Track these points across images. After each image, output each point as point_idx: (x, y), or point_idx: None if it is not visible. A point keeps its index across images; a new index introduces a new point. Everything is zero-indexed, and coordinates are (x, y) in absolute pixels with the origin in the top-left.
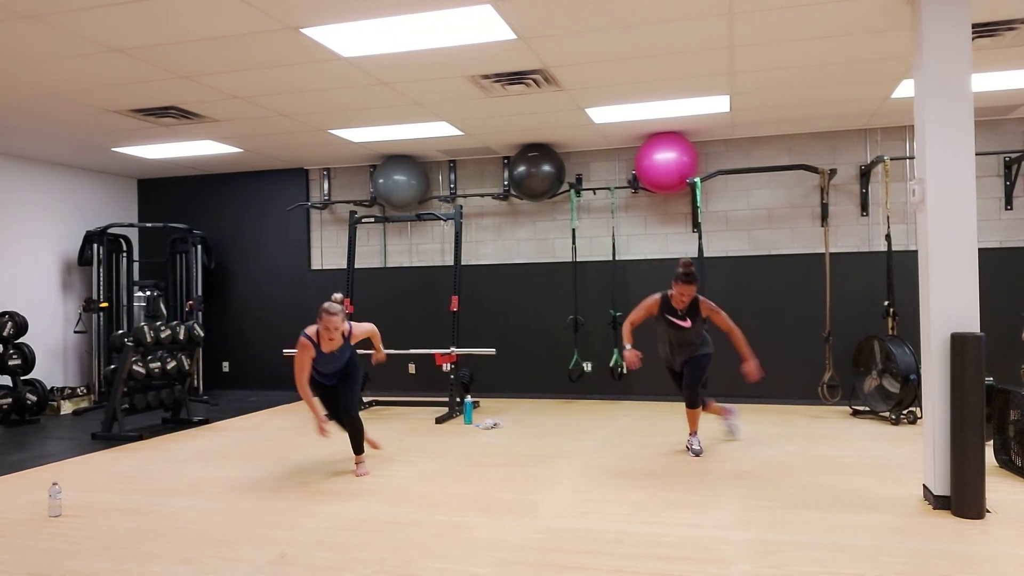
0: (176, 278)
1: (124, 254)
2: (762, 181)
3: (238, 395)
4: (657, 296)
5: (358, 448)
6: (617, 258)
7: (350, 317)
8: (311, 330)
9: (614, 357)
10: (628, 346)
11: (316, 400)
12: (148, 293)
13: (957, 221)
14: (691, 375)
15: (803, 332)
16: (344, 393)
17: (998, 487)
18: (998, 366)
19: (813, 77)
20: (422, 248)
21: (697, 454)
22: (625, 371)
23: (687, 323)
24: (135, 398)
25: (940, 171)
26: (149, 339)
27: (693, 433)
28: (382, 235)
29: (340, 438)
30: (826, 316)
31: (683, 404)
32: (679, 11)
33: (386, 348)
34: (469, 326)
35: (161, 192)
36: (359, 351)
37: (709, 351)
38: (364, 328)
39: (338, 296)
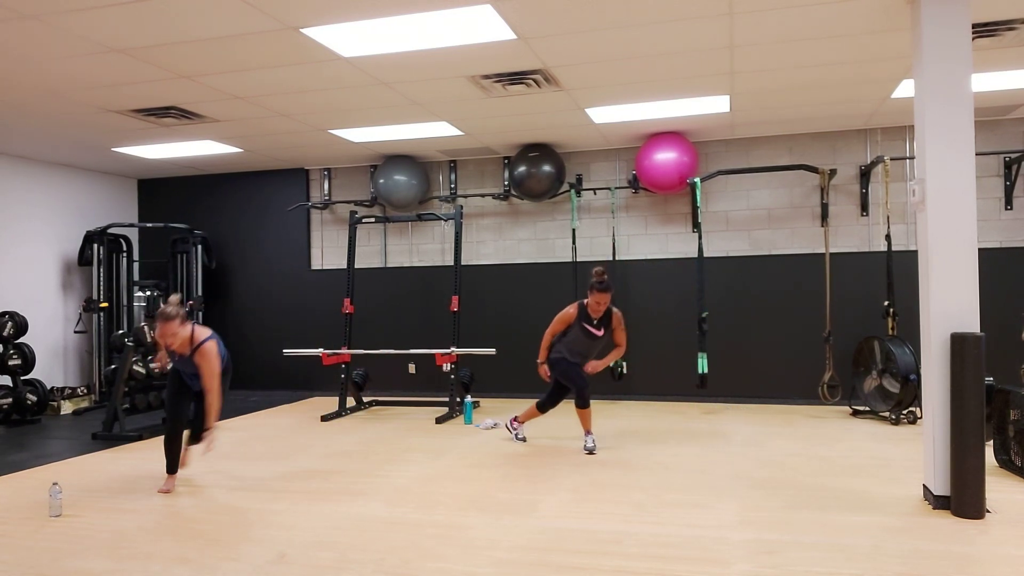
0: (176, 278)
1: (124, 254)
2: (762, 181)
3: (238, 395)
4: (575, 305)
5: (172, 467)
6: (617, 258)
7: (349, 317)
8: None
9: None
10: (541, 361)
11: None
12: (148, 293)
13: (957, 221)
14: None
15: (803, 332)
16: (199, 410)
17: (998, 487)
18: (998, 366)
19: (813, 77)
20: (422, 248)
21: (591, 451)
22: (624, 371)
23: (600, 332)
24: (135, 398)
25: (940, 171)
26: (149, 339)
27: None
28: (382, 235)
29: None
30: (826, 316)
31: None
32: (679, 11)
33: (386, 348)
34: (469, 326)
35: (161, 192)
36: None
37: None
38: (209, 353)
39: (175, 298)
